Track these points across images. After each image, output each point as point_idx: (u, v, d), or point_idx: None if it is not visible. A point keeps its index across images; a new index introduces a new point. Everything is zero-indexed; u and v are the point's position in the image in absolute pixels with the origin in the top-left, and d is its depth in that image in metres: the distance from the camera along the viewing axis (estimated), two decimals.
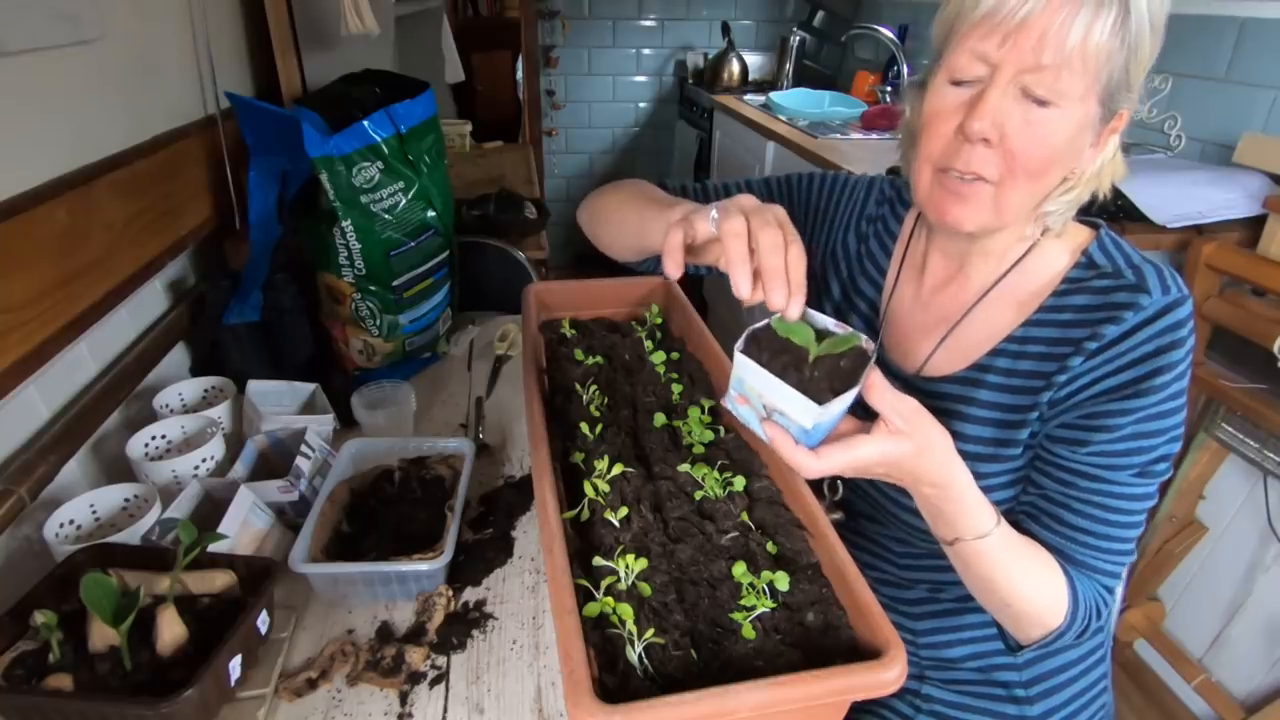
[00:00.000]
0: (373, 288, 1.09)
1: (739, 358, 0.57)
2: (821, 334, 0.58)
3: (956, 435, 0.75)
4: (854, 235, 0.91)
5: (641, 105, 3.79)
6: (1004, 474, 0.74)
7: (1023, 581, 0.67)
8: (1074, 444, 0.69)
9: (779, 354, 0.57)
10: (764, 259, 0.55)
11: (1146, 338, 0.65)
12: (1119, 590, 0.76)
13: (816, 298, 0.92)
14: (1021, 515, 0.74)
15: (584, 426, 0.77)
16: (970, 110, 0.64)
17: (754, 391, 0.57)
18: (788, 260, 0.55)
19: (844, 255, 0.91)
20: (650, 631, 0.54)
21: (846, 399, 0.55)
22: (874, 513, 0.84)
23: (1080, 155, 0.66)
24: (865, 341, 0.59)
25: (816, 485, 0.76)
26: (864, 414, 0.60)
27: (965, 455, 0.74)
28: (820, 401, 0.53)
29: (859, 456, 0.58)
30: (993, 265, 0.76)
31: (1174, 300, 0.66)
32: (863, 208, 0.91)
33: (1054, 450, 0.70)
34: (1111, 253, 0.72)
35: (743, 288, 0.55)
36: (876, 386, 0.57)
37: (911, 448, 0.58)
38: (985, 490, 0.74)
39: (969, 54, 0.64)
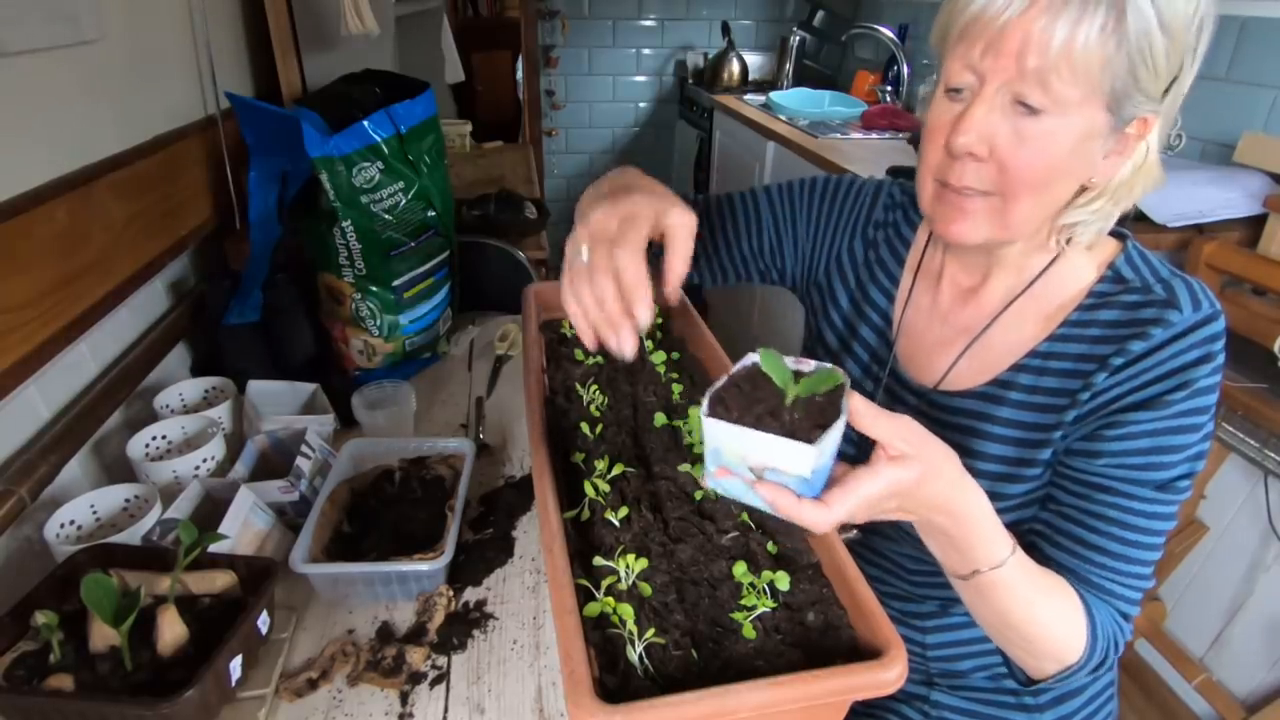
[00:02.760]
0: (373, 288, 1.09)
1: (707, 424, 0.51)
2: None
3: (976, 454, 0.73)
4: (860, 241, 0.88)
5: (641, 105, 3.79)
6: (1024, 494, 0.72)
7: (1041, 612, 0.62)
8: (1090, 455, 0.66)
9: (750, 408, 0.52)
10: (594, 317, 0.57)
11: (1174, 353, 0.63)
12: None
13: (822, 307, 0.91)
14: (1035, 536, 0.71)
15: (584, 426, 0.77)
16: (954, 125, 0.62)
17: (735, 456, 0.51)
18: (624, 293, 0.56)
19: (850, 262, 0.88)
20: (651, 631, 0.54)
21: (837, 429, 0.49)
22: (888, 529, 0.83)
23: (1092, 164, 0.63)
24: (834, 368, 0.53)
25: None
26: (856, 457, 0.55)
27: (985, 475, 0.73)
28: (811, 441, 0.47)
29: (866, 493, 0.51)
30: (1015, 277, 0.73)
31: (1205, 316, 0.63)
32: (869, 213, 0.88)
33: (1071, 463, 0.68)
34: (1139, 266, 0.69)
35: (589, 345, 0.59)
36: (864, 413, 0.51)
37: (919, 471, 0.52)
38: (1004, 511, 0.72)
39: (959, 63, 0.62)
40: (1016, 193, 0.63)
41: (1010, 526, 0.73)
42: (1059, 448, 0.70)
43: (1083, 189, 0.65)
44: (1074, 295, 0.71)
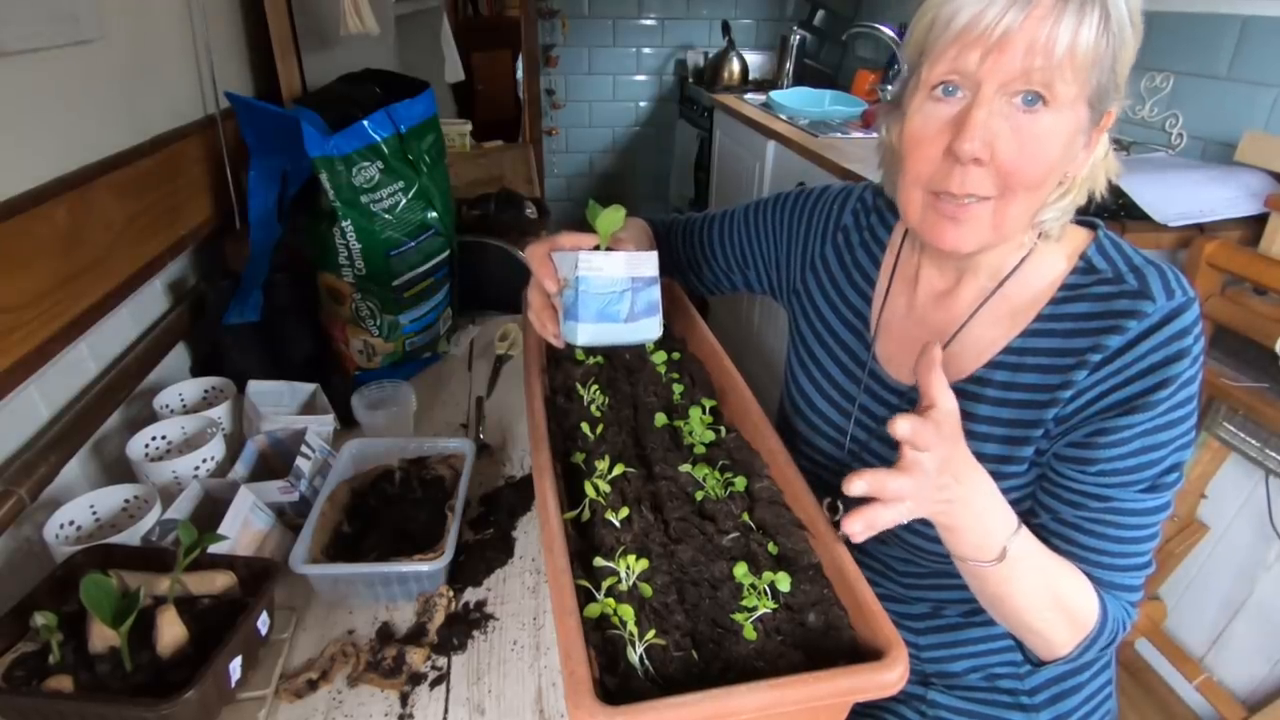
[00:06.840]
0: (373, 288, 1.09)
1: (556, 258, 0.72)
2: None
3: None
4: (830, 247, 0.90)
5: (642, 104, 3.79)
6: (1007, 492, 0.71)
7: (1058, 572, 0.65)
8: (1081, 463, 0.66)
9: None
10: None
11: (1152, 347, 0.63)
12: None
13: (803, 312, 0.92)
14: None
15: (585, 426, 0.77)
16: (958, 131, 0.61)
17: (568, 291, 0.71)
18: (539, 317, 0.76)
19: (824, 268, 0.90)
20: (651, 632, 0.54)
21: (613, 255, 0.69)
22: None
23: (1074, 160, 0.64)
24: (618, 207, 0.73)
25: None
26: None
27: None
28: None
29: (947, 407, 0.57)
30: (987, 276, 0.74)
31: (1179, 305, 0.63)
32: (837, 219, 0.90)
33: (1061, 470, 0.68)
34: (1111, 255, 0.69)
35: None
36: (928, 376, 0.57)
37: (956, 421, 0.57)
38: None
39: (948, 68, 0.61)
40: (1016, 194, 0.63)
41: None
42: (1041, 446, 0.69)
43: (1058, 184, 0.66)
44: (1046, 288, 0.71)
